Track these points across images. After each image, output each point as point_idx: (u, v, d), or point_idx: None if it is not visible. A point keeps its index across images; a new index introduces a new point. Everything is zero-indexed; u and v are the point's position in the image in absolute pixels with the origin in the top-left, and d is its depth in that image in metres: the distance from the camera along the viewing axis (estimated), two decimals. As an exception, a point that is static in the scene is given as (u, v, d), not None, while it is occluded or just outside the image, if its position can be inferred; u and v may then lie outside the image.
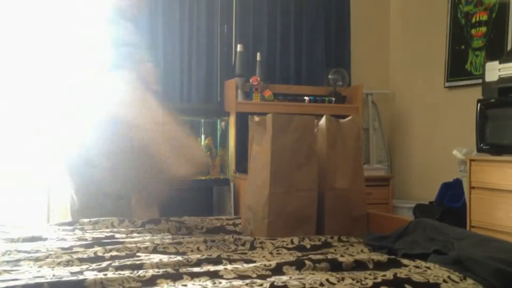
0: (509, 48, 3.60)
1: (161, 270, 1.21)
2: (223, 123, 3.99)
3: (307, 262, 1.27)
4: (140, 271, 1.20)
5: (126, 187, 2.31)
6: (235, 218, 2.12)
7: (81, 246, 1.54)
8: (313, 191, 1.78)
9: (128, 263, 1.28)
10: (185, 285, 1.12)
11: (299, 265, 1.26)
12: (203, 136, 3.87)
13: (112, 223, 1.88)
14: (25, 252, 1.46)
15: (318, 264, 1.27)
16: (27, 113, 3.52)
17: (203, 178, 3.71)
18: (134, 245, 1.53)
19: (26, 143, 3.51)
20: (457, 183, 3.66)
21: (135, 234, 1.75)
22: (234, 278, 1.18)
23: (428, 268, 1.24)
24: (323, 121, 1.88)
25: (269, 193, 1.73)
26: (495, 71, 3.11)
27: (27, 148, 3.52)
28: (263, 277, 1.18)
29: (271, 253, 1.49)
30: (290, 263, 1.27)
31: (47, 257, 1.38)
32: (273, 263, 1.26)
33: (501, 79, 3.07)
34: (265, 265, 1.25)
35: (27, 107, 3.51)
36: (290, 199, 1.75)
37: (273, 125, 1.75)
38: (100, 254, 1.42)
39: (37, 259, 1.36)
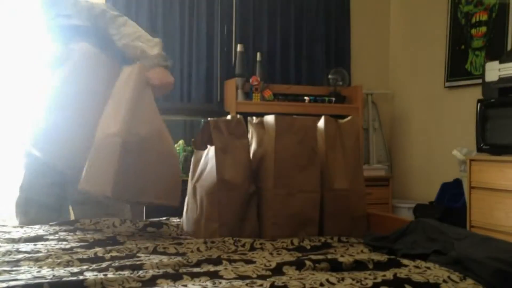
0: (509, 48, 3.60)
1: (161, 270, 1.22)
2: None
3: (307, 262, 1.27)
4: (140, 271, 1.20)
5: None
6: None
7: (81, 246, 1.54)
8: (315, 193, 1.78)
9: (128, 263, 1.29)
10: (185, 285, 1.12)
11: (299, 265, 1.26)
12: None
13: (114, 223, 1.88)
14: (25, 252, 1.46)
15: (318, 264, 1.27)
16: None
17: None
18: (134, 245, 1.53)
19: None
20: (457, 183, 3.67)
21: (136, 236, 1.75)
22: (234, 278, 1.18)
23: (428, 268, 1.24)
24: (321, 122, 1.87)
25: (273, 194, 1.73)
26: (495, 71, 3.11)
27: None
28: (263, 277, 1.18)
29: (271, 253, 1.49)
30: (290, 263, 1.27)
31: (47, 257, 1.38)
32: (273, 263, 1.26)
33: (501, 79, 3.07)
34: (265, 265, 1.25)
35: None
36: (292, 201, 1.75)
37: (276, 127, 1.75)
38: (100, 254, 1.42)
39: (37, 260, 1.36)
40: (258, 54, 4.18)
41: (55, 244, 1.60)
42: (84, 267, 1.28)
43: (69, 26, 2.21)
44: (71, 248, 1.53)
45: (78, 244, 1.58)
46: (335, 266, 1.27)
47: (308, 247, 1.58)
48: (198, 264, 1.30)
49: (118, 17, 2.26)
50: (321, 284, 1.11)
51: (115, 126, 1.75)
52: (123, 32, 2.21)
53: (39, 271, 1.24)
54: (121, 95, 1.86)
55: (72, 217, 2.26)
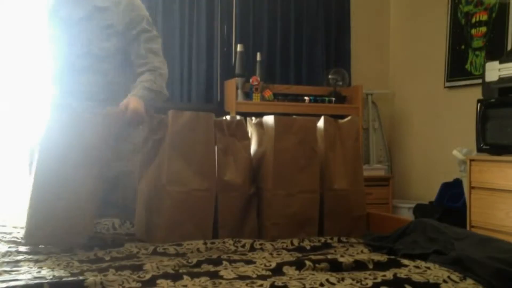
0: (509, 48, 3.60)
1: (161, 271, 1.22)
2: (223, 123, 3.99)
3: (307, 262, 1.27)
4: (140, 272, 1.20)
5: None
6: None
7: (81, 247, 1.54)
8: (315, 193, 1.79)
9: (128, 264, 1.29)
10: (185, 286, 1.12)
11: (299, 265, 1.26)
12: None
13: (113, 224, 1.88)
14: (25, 253, 1.46)
15: (318, 264, 1.27)
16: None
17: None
18: (134, 246, 1.53)
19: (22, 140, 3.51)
20: (457, 183, 3.66)
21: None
22: (234, 278, 1.18)
23: (428, 268, 1.24)
24: (321, 122, 1.87)
25: (272, 195, 1.74)
26: (495, 71, 3.11)
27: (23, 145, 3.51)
28: (263, 277, 1.18)
29: (271, 254, 1.49)
30: (290, 263, 1.27)
31: (47, 258, 1.38)
32: (273, 263, 1.26)
33: (501, 79, 3.07)
34: (265, 266, 1.26)
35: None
36: (292, 201, 1.75)
37: (275, 127, 1.75)
38: (100, 255, 1.42)
39: (37, 261, 1.36)
40: (258, 54, 4.18)
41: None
42: (84, 267, 1.28)
43: (103, 25, 2.05)
44: (71, 249, 1.53)
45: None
46: (335, 266, 1.27)
47: (308, 247, 1.58)
48: (198, 264, 1.30)
49: (152, 31, 2.17)
50: (321, 284, 1.11)
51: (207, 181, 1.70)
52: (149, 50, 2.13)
53: (39, 272, 1.24)
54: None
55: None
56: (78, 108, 1.65)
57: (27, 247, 1.54)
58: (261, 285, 1.10)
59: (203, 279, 1.16)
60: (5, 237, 1.67)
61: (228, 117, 1.90)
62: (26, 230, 1.54)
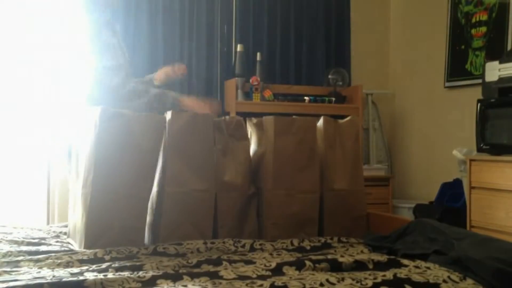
0: (509, 48, 3.60)
1: (161, 271, 1.22)
2: (223, 123, 3.99)
3: (307, 262, 1.27)
4: (140, 272, 1.20)
5: None
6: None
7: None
8: (315, 193, 1.79)
9: (128, 264, 1.29)
10: (185, 286, 1.12)
11: (299, 265, 1.26)
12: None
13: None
14: (25, 253, 1.46)
15: (318, 264, 1.27)
16: (25, 107, 3.51)
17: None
18: (134, 246, 1.53)
19: (26, 140, 3.50)
20: (457, 183, 3.66)
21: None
22: (234, 278, 1.18)
23: (428, 268, 1.25)
24: (320, 122, 1.87)
25: (272, 195, 1.73)
26: (495, 71, 3.11)
27: (28, 145, 3.51)
28: (263, 277, 1.18)
29: (271, 254, 1.49)
30: (290, 263, 1.27)
31: (47, 258, 1.38)
32: (273, 264, 1.26)
33: (501, 79, 3.07)
34: (265, 266, 1.26)
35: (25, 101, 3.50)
36: (292, 201, 1.75)
37: (274, 128, 1.75)
38: (100, 255, 1.42)
39: (37, 261, 1.36)
40: (258, 54, 4.18)
41: (55, 243, 1.60)
42: (84, 267, 1.28)
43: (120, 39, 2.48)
44: (71, 249, 1.53)
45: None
46: (335, 266, 1.27)
47: (308, 247, 1.58)
48: (198, 264, 1.30)
49: None
50: (321, 284, 1.11)
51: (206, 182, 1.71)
52: None
53: (39, 272, 1.24)
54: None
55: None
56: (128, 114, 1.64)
57: (29, 246, 1.54)
58: (261, 285, 1.10)
59: (203, 279, 1.16)
60: (6, 237, 1.67)
61: (227, 117, 1.89)
62: (85, 242, 1.53)
